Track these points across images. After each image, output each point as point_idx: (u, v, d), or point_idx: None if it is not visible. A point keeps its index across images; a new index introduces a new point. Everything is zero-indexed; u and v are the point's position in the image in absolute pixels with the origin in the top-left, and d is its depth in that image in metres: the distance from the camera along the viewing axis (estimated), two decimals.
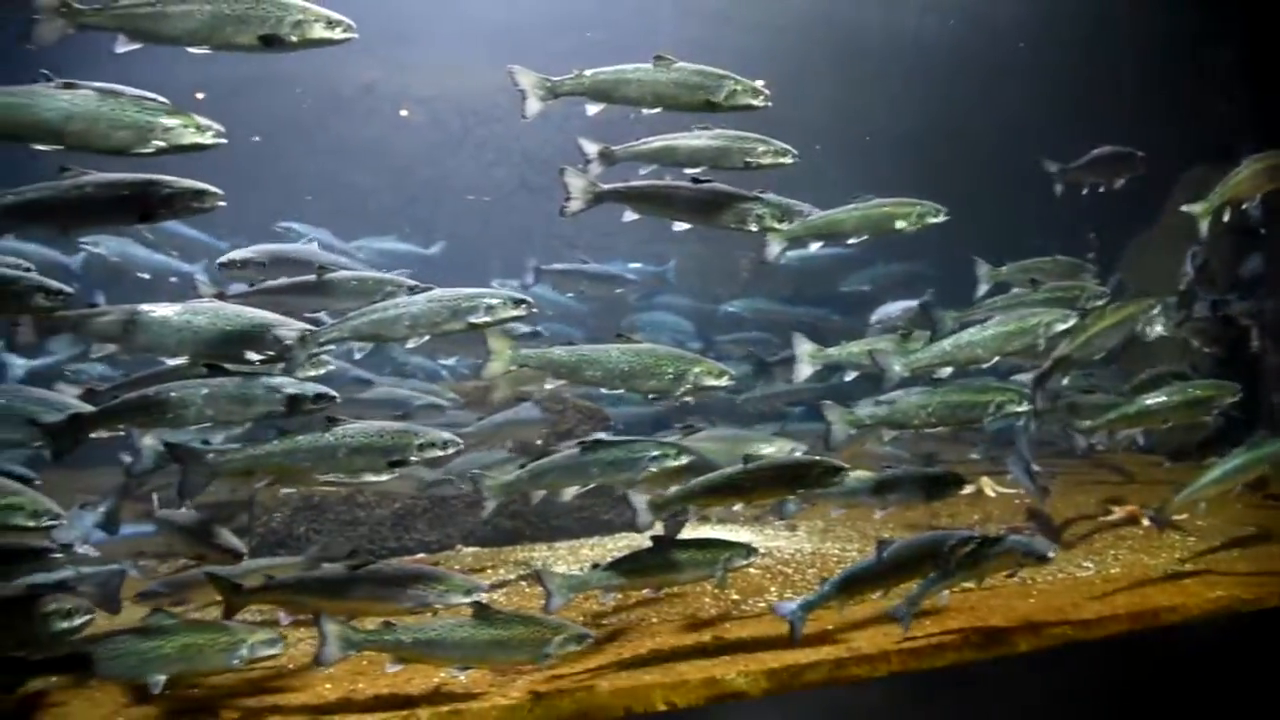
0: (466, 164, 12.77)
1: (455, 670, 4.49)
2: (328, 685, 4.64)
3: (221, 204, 4.48)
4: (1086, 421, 6.27)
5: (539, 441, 7.29)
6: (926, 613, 5.38)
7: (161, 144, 4.18)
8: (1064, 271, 7.50)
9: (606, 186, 5.35)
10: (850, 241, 5.91)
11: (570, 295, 10.78)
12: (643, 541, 5.12)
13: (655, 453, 5.16)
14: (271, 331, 4.55)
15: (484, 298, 4.77)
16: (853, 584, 5.04)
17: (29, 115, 4.05)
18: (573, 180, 5.31)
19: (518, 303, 4.86)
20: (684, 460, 5.18)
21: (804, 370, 6.11)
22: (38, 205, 4.29)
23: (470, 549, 7.53)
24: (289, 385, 4.54)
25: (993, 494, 8.37)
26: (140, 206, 4.34)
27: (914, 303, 9.99)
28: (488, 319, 4.79)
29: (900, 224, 5.85)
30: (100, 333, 4.59)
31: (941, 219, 5.90)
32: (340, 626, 4.39)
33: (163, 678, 4.27)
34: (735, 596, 5.96)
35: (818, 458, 5.29)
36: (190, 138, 4.22)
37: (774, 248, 5.72)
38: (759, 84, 5.31)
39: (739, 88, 5.26)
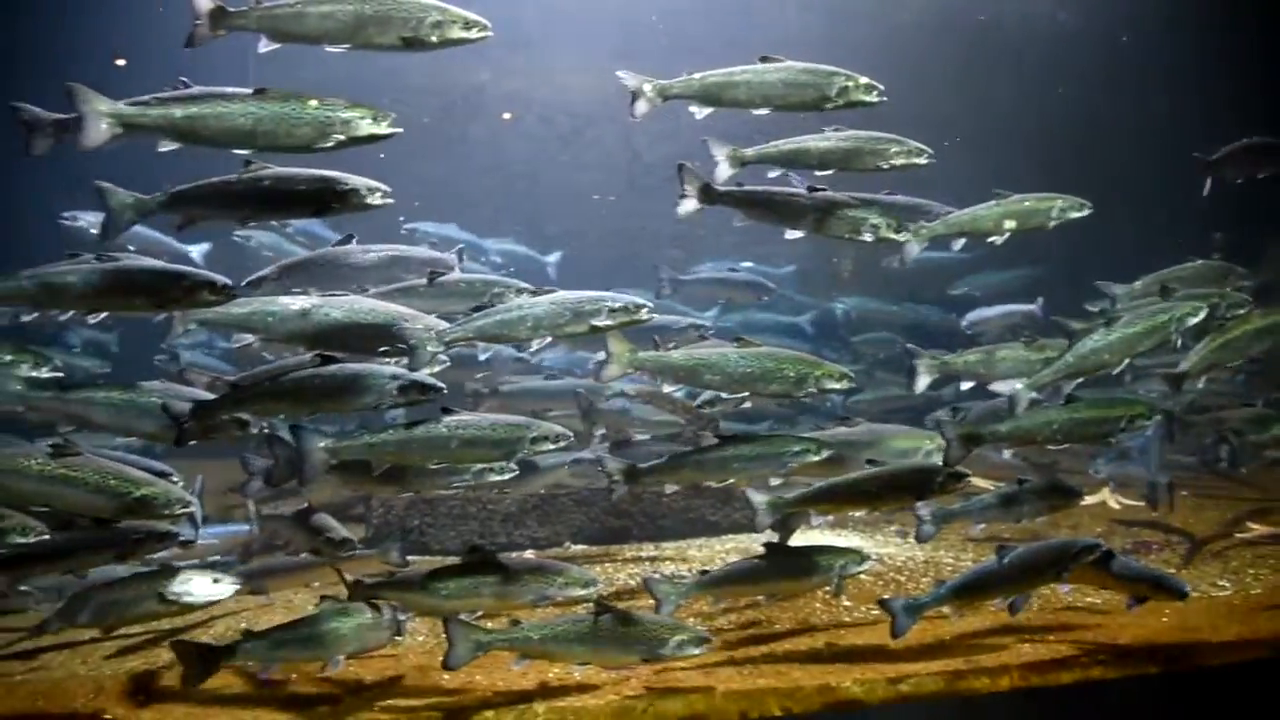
0: (576, 166, 12.87)
1: (572, 666, 4.54)
2: (445, 676, 4.73)
3: (390, 201, 4.61)
4: (1254, 436, 5.93)
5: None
6: (1051, 627, 5.21)
7: (341, 137, 4.35)
8: (1210, 277, 6.91)
9: (720, 189, 5.31)
10: (992, 240, 5.74)
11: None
12: (751, 545, 5.10)
13: (797, 448, 5.11)
14: (403, 327, 4.65)
15: (606, 301, 4.79)
16: (970, 589, 4.89)
17: (226, 123, 4.27)
18: (689, 179, 5.29)
19: (639, 306, 4.86)
20: (824, 455, 5.12)
21: (923, 381, 5.95)
22: (222, 196, 4.49)
23: (578, 546, 7.60)
24: (399, 376, 4.63)
25: (1116, 505, 8.04)
26: (316, 201, 4.51)
27: (1014, 308, 9.68)
28: (609, 322, 4.80)
29: (1043, 219, 5.66)
30: (239, 323, 4.77)
31: (1086, 213, 5.71)
32: (469, 627, 4.47)
33: (342, 657, 4.51)
34: (847, 603, 5.86)
35: (940, 464, 5.16)
36: (367, 128, 4.38)
37: (913, 247, 5.60)
38: (858, 80, 5.19)
39: (851, 84, 5.14)
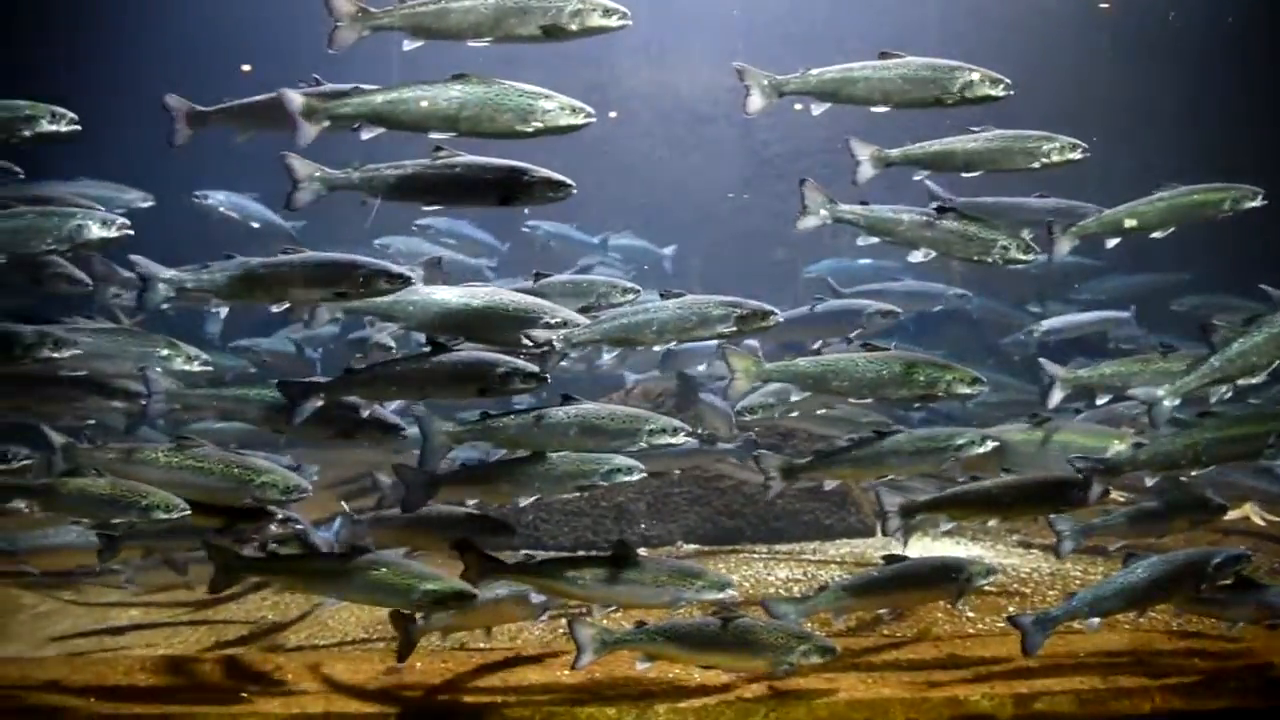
0: (695, 163, 12.80)
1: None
2: (565, 672, 4.75)
3: (570, 193, 4.65)
4: None
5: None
6: (1196, 652, 4.94)
7: (540, 125, 4.43)
8: None
9: (844, 209, 5.15)
10: (1155, 235, 5.44)
11: None
12: (867, 550, 4.97)
13: (960, 440, 4.98)
14: (542, 320, 4.69)
15: (734, 307, 4.72)
16: (1104, 601, 4.67)
17: (429, 108, 4.39)
18: (810, 195, 5.15)
19: (766, 314, 4.77)
20: (989, 448, 4.99)
21: (1057, 395, 5.69)
22: (414, 181, 4.58)
23: (690, 545, 7.57)
24: (502, 364, 4.67)
25: (1261, 522, 7.58)
26: (503, 190, 4.58)
27: (1100, 315, 9.13)
28: (737, 328, 4.74)
29: (1213, 211, 5.36)
30: (384, 312, 4.84)
31: (1259, 202, 5.38)
32: (596, 629, 4.48)
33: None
34: (970, 614, 5.67)
35: (1076, 475, 4.94)
36: (565, 119, 4.45)
37: (1064, 246, 5.39)
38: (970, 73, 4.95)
39: (976, 78, 4.90)
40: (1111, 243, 5.48)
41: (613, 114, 12.93)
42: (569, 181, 4.62)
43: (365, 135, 4.47)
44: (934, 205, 5.19)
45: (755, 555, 7.22)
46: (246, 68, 9.52)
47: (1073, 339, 9.42)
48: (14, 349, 4.66)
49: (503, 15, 4.38)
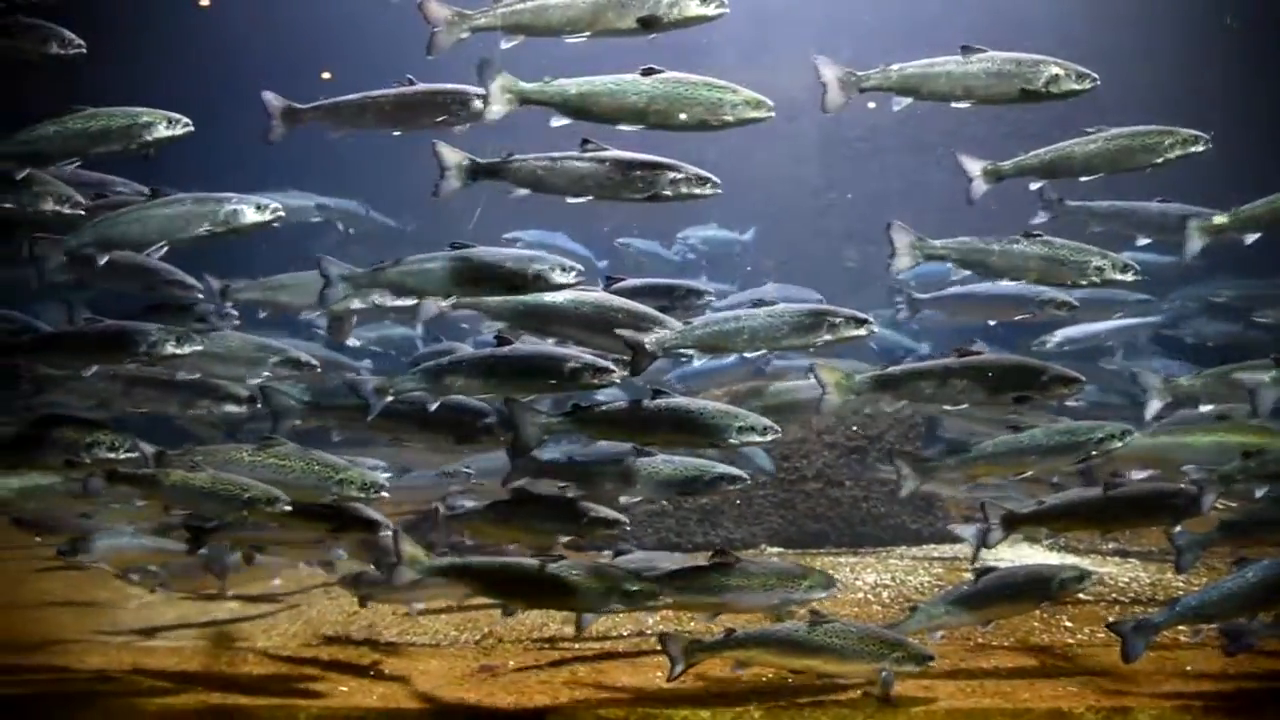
0: (783, 157, 12.61)
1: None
2: (658, 673, 4.75)
3: (718, 191, 4.68)
4: None
5: None
6: None
7: (729, 119, 4.49)
8: None
9: (934, 244, 5.04)
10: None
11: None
12: (957, 556, 4.87)
13: (1100, 435, 4.85)
14: (642, 325, 4.71)
15: (826, 315, 4.68)
16: (1210, 607, 4.47)
17: (620, 100, 4.46)
18: (899, 236, 5.04)
19: (860, 322, 4.72)
20: (1129, 441, 4.85)
21: (1155, 405, 5.51)
22: (562, 173, 4.61)
23: (774, 549, 7.52)
24: (571, 359, 4.68)
25: None
26: (650, 187, 4.61)
27: (1128, 322, 8.67)
28: (829, 337, 4.69)
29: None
30: (497, 312, 4.94)
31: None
32: (685, 640, 4.47)
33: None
34: (1068, 623, 5.53)
35: (1185, 486, 4.78)
36: (750, 113, 4.49)
37: (1195, 243, 5.20)
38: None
39: (1061, 72, 4.73)
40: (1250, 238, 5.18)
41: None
42: (715, 179, 4.64)
43: (555, 123, 4.54)
44: (1023, 231, 5.03)
45: (841, 560, 7.14)
46: (326, 75, 9.74)
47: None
48: (139, 345, 4.83)
49: (601, 9, 4.40)
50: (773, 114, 4.49)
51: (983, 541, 5.01)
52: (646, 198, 4.63)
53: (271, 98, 5.05)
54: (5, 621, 5.96)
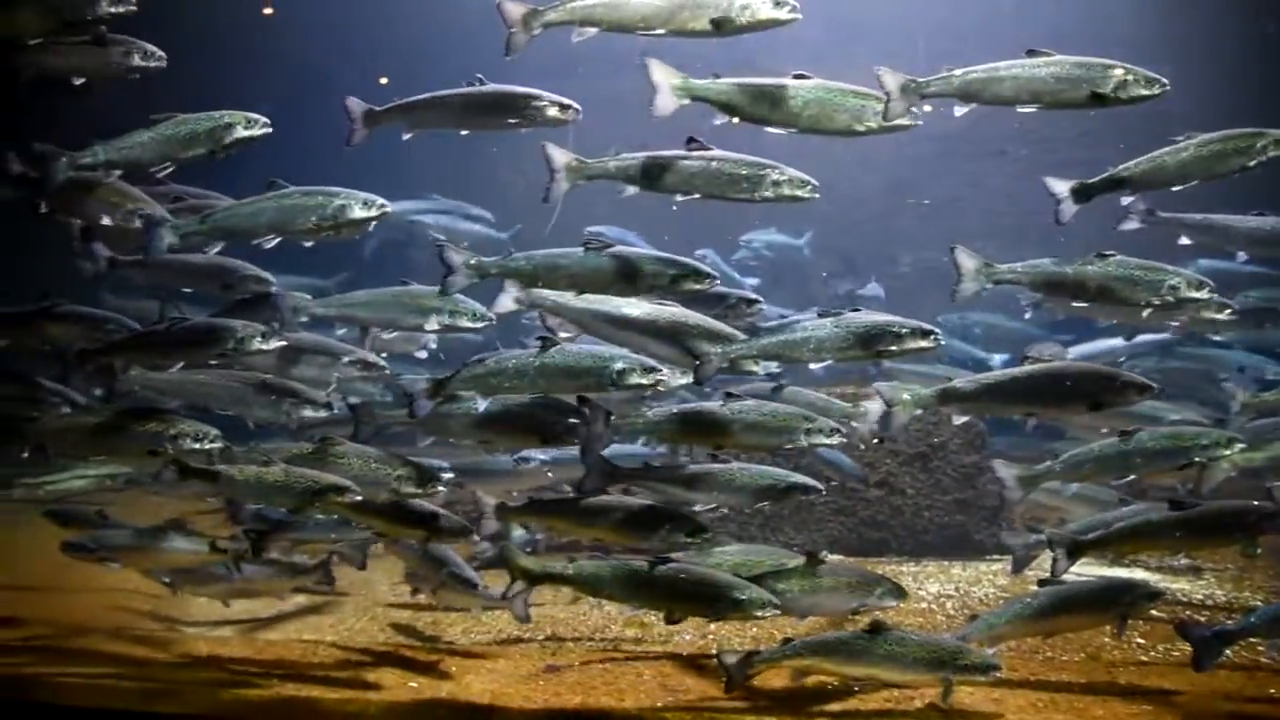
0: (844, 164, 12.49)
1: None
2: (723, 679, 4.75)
3: (817, 195, 4.73)
4: None
5: None
6: None
7: (871, 125, 4.61)
8: None
9: (1002, 270, 4.92)
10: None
11: None
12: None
13: (1206, 440, 4.79)
14: (692, 341, 4.75)
15: (890, 326, 4.63)
16: None
17: (780, 106, 4.56)
18: (964, 261, 4.92)
19: (925, 333, 4.65)
20: (1236, 449, 4.79)
21: (1239, 419, 5.38)
22: (669, 172, 4.69)
23: (834, 556, 7.43)
24: (618, 360, 4.70)
25: None
26: (755, 187, 4.66)
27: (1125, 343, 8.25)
28: (894, 348, 4.64)
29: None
30: (576, 317, 4.98)
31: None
32: (740, 654, 4.43)
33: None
34: (1140, 640, 5.42)
35: (1259, 504, 4.66)
36: (876, 122, 4.59)
37: None
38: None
39: (1130, 77, 4.59)
40: None
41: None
42: (814, 182, 4.68)
43: (717, 121, 4.67)
44: (1096, 253, 4.90)
45: (903, 569, 7.07)
46: (384, 80, 9.88)
47: None
48: (226, 342, 4.96)
49: (676, 8, 4.44)
50: (918, 122, 4.57)
51: (1027, 560, 5.03)
52: (749, 199, 4.67)
53: (352, 103, 5.13)
54: (81, 610, 6.13)
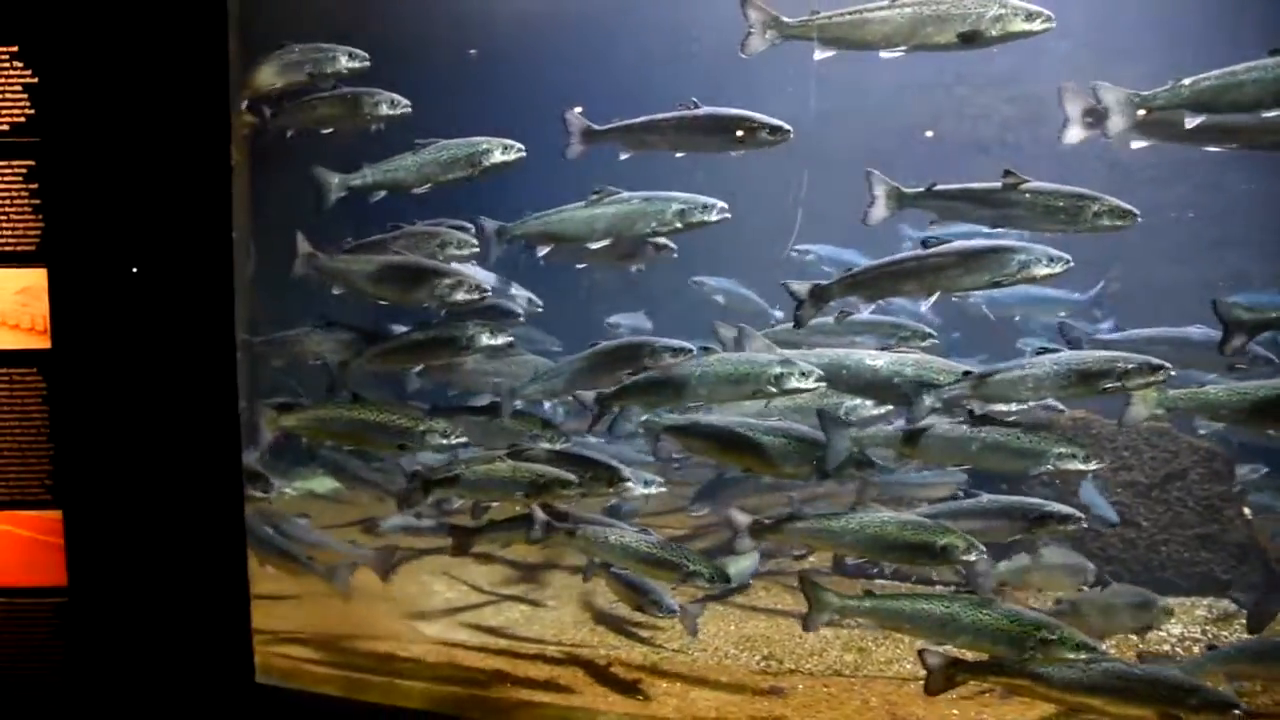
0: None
1: None
2: (954, 710, 4.61)
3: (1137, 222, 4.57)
4: None
5: None
6: None
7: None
8: None
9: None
10: None
11: None
12: None
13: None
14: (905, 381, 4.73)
15: (1118, 362, 4.38)
16: None
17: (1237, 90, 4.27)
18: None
19: (1155, 368, 4.36)
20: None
21: None
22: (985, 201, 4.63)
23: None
24: (775, 365, 4.66)
25: None
26: (1000, 205, 4.58)
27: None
28: (1119, 384, 4.38)
29: None
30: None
31: None
32: (946, 660, 4.28)
33: None
34: None
35: None
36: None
37: None
38: None
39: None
40: None
41: (929, 133, 12.31)
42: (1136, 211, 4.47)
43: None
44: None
45: None
46: (579, 109, 10.12)
47: None
48: (459, 342, 5.34)
49: (920, 23, 4.34)
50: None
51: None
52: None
53: (573, 117, 5.28)
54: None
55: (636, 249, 5.65)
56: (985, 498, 4.82)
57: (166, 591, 4.10)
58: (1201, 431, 6.88)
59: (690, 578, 4.87)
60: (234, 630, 4.19)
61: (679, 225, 4.98)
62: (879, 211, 4.73)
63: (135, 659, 4.13)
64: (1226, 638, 5.91)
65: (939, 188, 4.64)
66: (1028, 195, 4.45)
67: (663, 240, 5.55)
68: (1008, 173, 4.49)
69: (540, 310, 6.32)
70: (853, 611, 4.50)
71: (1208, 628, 6.11)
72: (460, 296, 5.24)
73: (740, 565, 5.98)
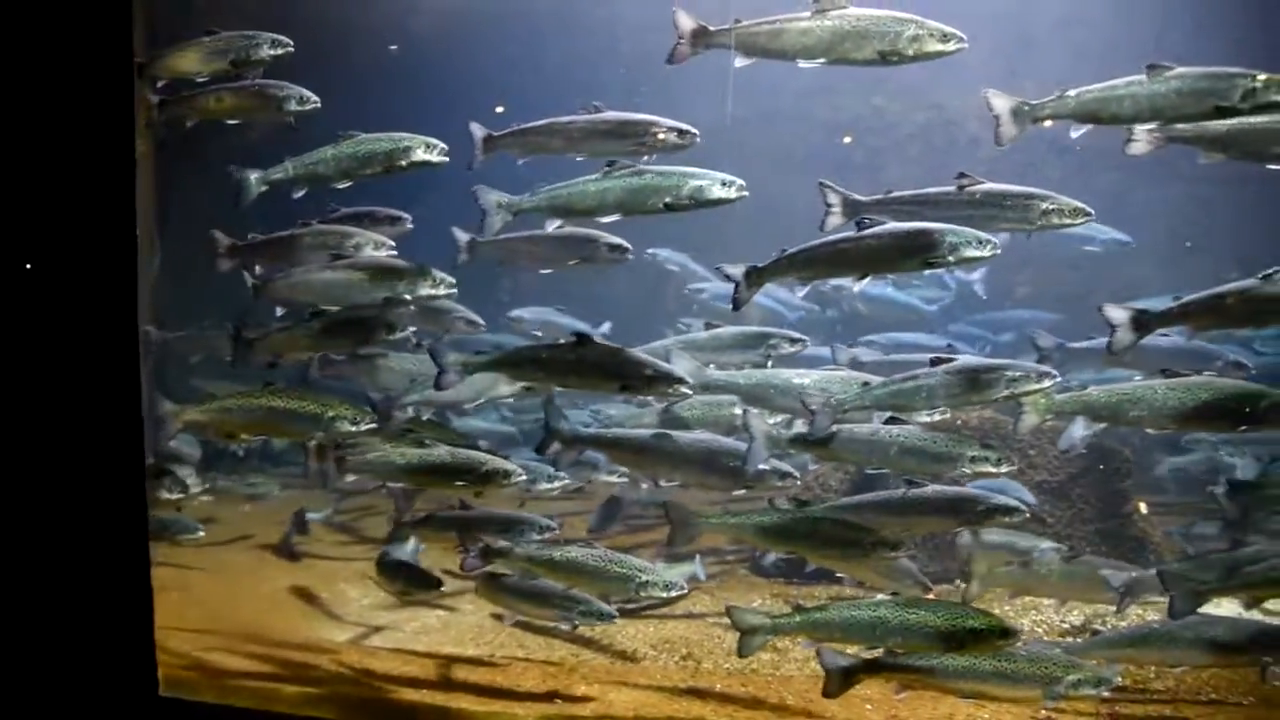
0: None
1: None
2: (868, 706, 4.70)
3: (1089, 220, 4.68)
4: None
5: None
6: None
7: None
8: None
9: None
10: None
11: None
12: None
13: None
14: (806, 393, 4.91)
15: (1006, 370, 4.54)
16: None
17: (1127, 106, 4.44)
18: (1113, 314, 4.68)
19: (1042, 375, 4.55)
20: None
21: None
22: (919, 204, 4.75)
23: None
24: (649, 366, 4.78)
25: None
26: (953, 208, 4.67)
27: None
28: (1008, 392, 4.54)
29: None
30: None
31: None
32: (845, 661, 4.35)
33: None
34: None
35: None
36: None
37: None
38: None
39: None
40: None
41: (846, 139, 12.47)
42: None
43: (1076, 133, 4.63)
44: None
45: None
46: (500, 109, 10.08)
47: None
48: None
49: (839, 38, 4.47)
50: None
51: (1128, 602, 5.03)
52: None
53: (474, 127, 5.22)
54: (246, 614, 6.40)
55: (592, 253, 5.53)
56: (930, 489, 4.82)
57: (64, 599, 3.92)
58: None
59: (643, 588, 4.92)
60: (136, 640, 4.02)
61: (691, 201, 4.83)
62: (835, 220, 4.81)
63: (29, 671, 3.94)
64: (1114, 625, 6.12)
65: (894, 194, 4.75)
66: (979, 195, 4.59)
67: (618, 241, 5.46)
68: (961, 175, 4.61)
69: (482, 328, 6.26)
70: (785, 629, 4.54)
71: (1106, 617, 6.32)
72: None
73: (681, 570, 6.01)
